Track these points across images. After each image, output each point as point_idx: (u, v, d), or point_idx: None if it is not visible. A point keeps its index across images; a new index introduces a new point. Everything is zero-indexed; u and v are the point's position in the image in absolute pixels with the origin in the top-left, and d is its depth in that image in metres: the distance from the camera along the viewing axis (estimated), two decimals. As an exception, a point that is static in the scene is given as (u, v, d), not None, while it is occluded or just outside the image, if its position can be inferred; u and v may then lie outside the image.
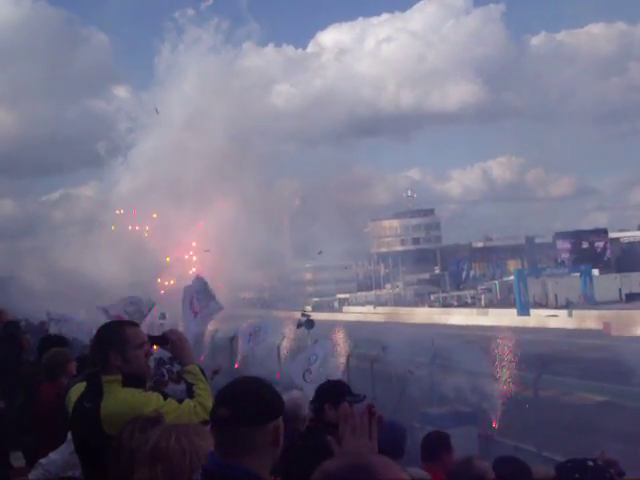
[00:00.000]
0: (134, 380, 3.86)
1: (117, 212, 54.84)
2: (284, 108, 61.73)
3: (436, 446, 5.91)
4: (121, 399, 3.77)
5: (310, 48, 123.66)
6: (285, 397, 3.66)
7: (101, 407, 3.77)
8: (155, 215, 52.36)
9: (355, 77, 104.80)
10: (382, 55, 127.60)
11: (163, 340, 4.20)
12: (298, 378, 11.37)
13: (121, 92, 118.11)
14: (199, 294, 8.94)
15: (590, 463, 2.86)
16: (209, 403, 3.66)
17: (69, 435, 4.25)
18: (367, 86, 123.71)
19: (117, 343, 3.89)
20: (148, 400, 3.76)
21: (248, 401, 2.57)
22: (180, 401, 3.85)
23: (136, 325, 4.17)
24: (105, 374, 3.88)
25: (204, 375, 4.02)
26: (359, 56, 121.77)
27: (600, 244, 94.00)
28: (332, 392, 4.82)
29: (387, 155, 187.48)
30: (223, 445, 2.51)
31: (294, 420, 5.08)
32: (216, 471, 2.44)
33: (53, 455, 4.68)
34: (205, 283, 9.29)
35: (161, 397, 3.82)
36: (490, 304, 73.31)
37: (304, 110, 64.30)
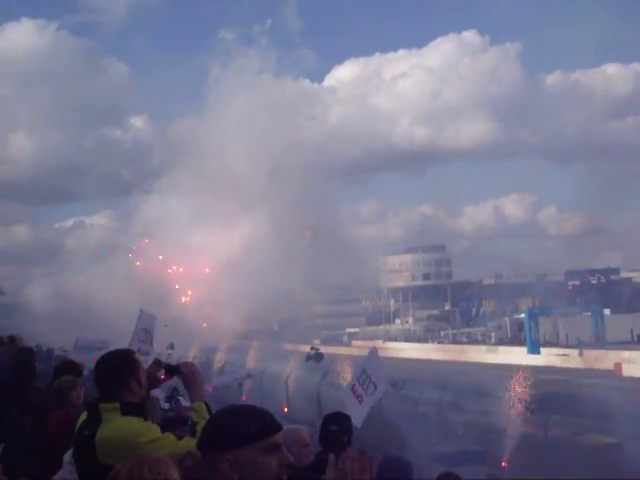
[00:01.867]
0: (135, 408, 3.86)
1: (133, 249, 55.51)
2: (300, 141, 61.99)
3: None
4: (117, 427, 3.76)
5: (326, 82, 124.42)
6: (286, 430, 3.65)
7: (97, 435, 3.76)
8: (160, 257, 52.80)
9: (370, 112, 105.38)
10: (397, 90, 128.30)
11: (176, 370, 4.21)
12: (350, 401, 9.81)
13: (138, 122, 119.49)
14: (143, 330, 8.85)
15: None
16: None
17: (65, 457, 4.27)
18: (382, 121, 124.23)
19: (133, 370, 3.95)
20: (145, 430, 3.74)
21: (206, 430, 2.55)
22: (181, 437, 3.81)
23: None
24: (108, 402, 3.87)
25: (210, 412, 3.94)
26: (375, 91, 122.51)
27: (612, 284, 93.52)
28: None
29: (400, 190, 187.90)
30: (202, 472, 2.50)
31: (294, 455, 5.06)
32: None
33: None
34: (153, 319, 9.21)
35: (159, 430, 3.79)
36: (500, 342, 72.84)
37: (319, 144, 64.54)
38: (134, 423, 3.78)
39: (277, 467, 2.45)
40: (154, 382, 4.20)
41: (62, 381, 6.53)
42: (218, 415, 2.59)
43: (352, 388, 9.05)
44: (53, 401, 6.44)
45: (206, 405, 4.00)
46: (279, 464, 2.45)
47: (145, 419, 3.86)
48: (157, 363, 4.30)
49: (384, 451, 5.38)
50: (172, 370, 4.24)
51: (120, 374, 3.95)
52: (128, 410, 3.83)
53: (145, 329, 9.03)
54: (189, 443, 3.65)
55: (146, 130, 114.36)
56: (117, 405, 3.84)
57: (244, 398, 23.49)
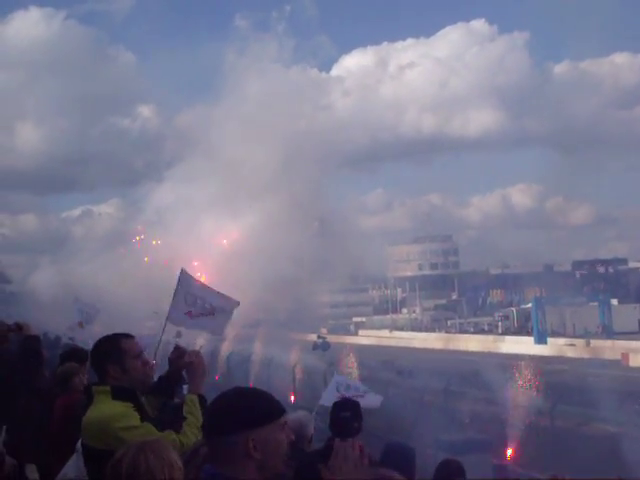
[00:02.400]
0: (123, 393, 3.89)
1: (137, 238, 55.66)
2: (307, 131, 61.93)
3: (451, 473, 5.93)
4: (100, 410, 3.82)
5: (334, 71, 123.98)
6: (290, 416, 3.68)
7: (84, 417, 3.86)
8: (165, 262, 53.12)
9: (378, 101, 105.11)
10: (405, 80, 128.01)
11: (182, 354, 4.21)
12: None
13: (145, 111, 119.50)
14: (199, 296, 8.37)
15: None
16: (191, 442, 3.66)
17: (78, 444, 4.31)
18: (389, 110, 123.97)
19: (115, 355, 3.99)
20: (122, 417, 3.77)
21: (220, 412, 2.60)
22: (164, 428, 3.82)
23: (132, 337, 4.22)
24: (101, 385, 3.96)
25: (204, 407, 3.89)
26: (382, 80, 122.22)
27: (620, 273, 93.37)
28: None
29: (407, 180, 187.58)
30: (210, 455, 2.59)
31: (298, 439, 5.10)
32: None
33: (65, 468, 4.73)
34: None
35: (138, 418, 3.79)
36: (507, 331, 72.86)
37: (326, 133, 64.43)
38: (117, 408, 3.82)
39: (288, 444, 2.61)
40: (176, 367, 4.22)
41: (65, 367, 6.59)
42: (228, 398, 2.64)
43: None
44: (58, 387, 6.49)
45: (203, 399, 3.98)
46: (287, 441, 2.61)
47: (136, 405, 3.88)
48: (177, 349, 4.32)
49: (388, 438, 5.43)
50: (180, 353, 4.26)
51: (100, 359, 4.05)
52: (117, 394, 3.88)
53: (189, 293, 8.42)
54: (169, 437, 3.69)
55: (153, 119, 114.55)
56: (108, 389, 3.90)
57: (250, 385, 23.57)
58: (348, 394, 9.61)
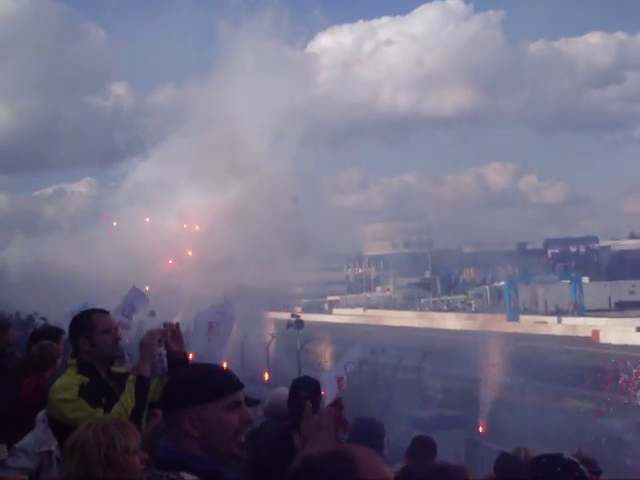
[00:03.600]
0: (85, 367, 4.04)
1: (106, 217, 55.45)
2: (282, 109, 61.52)
3: (423, 449, 5.99)
4: (58, 381, 4.01)
5: (309, 48, 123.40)
6: (270, 392, 3.69)
7: None
8: (147, 219, 52.72)
9: (353, 79, 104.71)
10: (381, 58, 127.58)
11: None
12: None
13: (119, 89, 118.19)
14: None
15: (564, 457, 2.91)
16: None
17: (39, 416, 4.43)
18: (365, 88, 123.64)
19: (85, 329, 4.12)
20: (64, 389, 3.92)
21: (167, 388, 2.59)
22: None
23: (105, 312, 4.34)
24: (74, 358, 4.12)
25: (142, 389, 3.89)
26: (358, 58, 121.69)
27: (591, 252, 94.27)
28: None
29: (382, 158, 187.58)
30: (165, 430, 2.54)
31: (277, 415, 5.11)
32: (163, 456, 2.46)
33: (26, 437, 4.82)
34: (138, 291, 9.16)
35: (76, 393, 3.88)
36: (480, 309, 73.40)
37: (300, 110, 64.09)
38: (64, 380, 3.99)
39: (238, 424, 2.49)
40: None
41: (47, 346, 6.50)
42: (180, 373, 2.62)
43: (339, 381, 9.18)
44: (31, 367, 6.43)
45: (145, 380, 3.94)
46: (240, 421, 2.49)
47: (95, 379, 3.99)
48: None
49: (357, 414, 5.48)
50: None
51: (73, 332, 4.19)
52: (80, 367, 4.03)
53: (132, 305, 9.10)
54: (96, 414, 3.74)
55: (127, 97, 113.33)
56: (75, 362, 4.08)
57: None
58: (344, 380, 9.21)
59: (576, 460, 2.97)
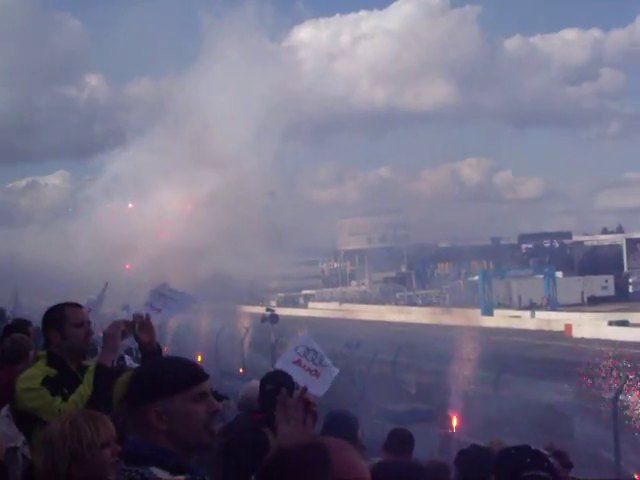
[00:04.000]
0: (53, 359, 4.05)
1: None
2: (258, 102, 61.30)
3: (401, 442, 6.01)
4: (24, 372, 4.06)
5: (285, 42, 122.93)
6: (244, 386, 3.69)
7: None
8: (131, 205, 52.51)
9: (330, 73, 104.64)
10: (357, 52, 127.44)
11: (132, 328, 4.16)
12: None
13: (94, 80, 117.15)
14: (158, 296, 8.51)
15: (533, 448, 2.94)
16: (70, 409, 3.63)
17: (2, 411, 4.43)
18: (341, 82, 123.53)
19: (57, 322, 4.14)
20: (27, 379, 3.95)
21: (131, 382, 2.56)
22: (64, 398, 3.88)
23: (77, 306, 4.34)
24: (44, 350, 4.15)
25: (101, 378, 3.86)
26: (335, 52, 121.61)
27: (564, 247, 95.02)
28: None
29: (359, 152, 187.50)
30: (132, 425, 2.51)
31: (250, 409, 5.11)
32: (131, 451, 2.44)
33: None
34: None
35: (39, 382, 3.90)
36: (454, 303, 73.76)
37: (278, 104, 63.92)
38: (31, 371, 4.02)
39: (206, 415, 2.47)
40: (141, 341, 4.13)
41: (19, 339, 6.46)
42: (144, 367, 2.60)
43: (299, 364, 9.14)
44: (3, 360, 6.37)
45: (105, 370, 3.92)
46: (208, 412, 2.48)
47: (63, 372, 4.00)
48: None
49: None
50: (128, 327, 4.20)
51: (45, 324, 4.20)
52: (50, 360, 4.05)
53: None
54: (54, 403, 3.80)
55: (102, 88, 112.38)
56: (44, 353, 4.10)
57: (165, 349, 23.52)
58: (304, 359, 9.23)
59: (546, 452, 3.00)
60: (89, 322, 4.31)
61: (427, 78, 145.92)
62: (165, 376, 2.47)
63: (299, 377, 9.01)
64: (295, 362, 9.06)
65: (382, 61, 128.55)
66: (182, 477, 2.32)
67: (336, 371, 9.13)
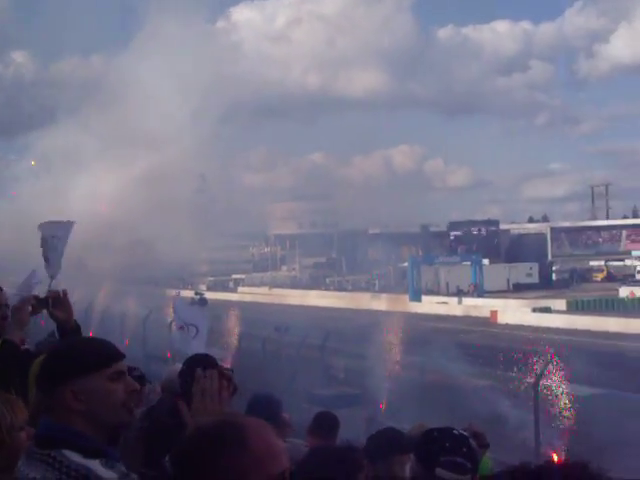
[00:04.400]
0: (8, 346, 3.88)
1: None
2: (190, 85, 60.57)
3: (327, 426, 6.01)
4: None
5: (219, 24, 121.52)
6: (167, 369, 3.64)
7: None
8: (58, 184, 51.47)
9: (264, 56, 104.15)
10: (292, 36, 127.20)
11: (45, 303, 4.02)
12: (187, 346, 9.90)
13: (19, 57, 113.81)
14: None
15: (455, 432, 2.98)
16: None
17: None
18: (275, 67, 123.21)
19: None
20: None
21: (44, 363, 2.50)
22: None
23: None
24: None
25: (7, 354, 3.80)
26: (269, 36, 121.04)
27: (491, 235, 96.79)
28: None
29: (291, 138, 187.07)
30: (46, 407, 2.45)
31: (173, 391, 5.04)
32: (43, 433, 2.36)
33: None
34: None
35: None
36: (384, 289, 74.52)
37: (209, 88, 63.25)
38: None
39: (124, 394, 2.43)
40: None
41: None
42: (59, 346, 2.54)
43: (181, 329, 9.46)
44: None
45: (11, 345, 3.85)
46: (125, 391, 2.44)
47: (14, 358, 3.81)
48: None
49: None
50: (41, 303, 4.03)
51: None
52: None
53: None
54: None
55: (29, 66, 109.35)
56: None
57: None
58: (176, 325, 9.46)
59: (465, 434, 3.05)
60: (7, 305, 4.14)
61: (361, 64, 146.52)
62: (81, 355, 2.42)
63: (186, 342, 9.24)
64: (179, 328, 9.43)
65: (317, 46, 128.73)
66: (96, 460, 2.26)
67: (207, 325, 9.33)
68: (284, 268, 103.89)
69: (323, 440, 5.79)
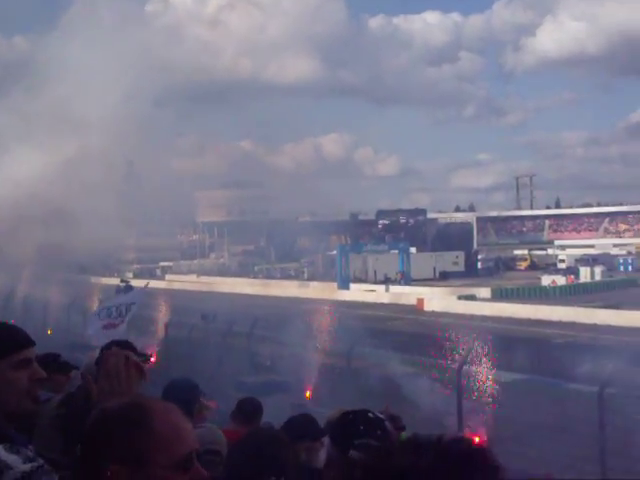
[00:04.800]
0: None
1: None
2: (118, 68, 59.25)
3: (250, 412, 6.00)
4: None
5: (149, 7, 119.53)
6: (86, 355, 3.57)
7: None
8: None
9: (195, 41, 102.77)
10: (222, 21, 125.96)
11: None
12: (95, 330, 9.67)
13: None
14: None
15: (370, 415, 3.01)
16: None
17: None
18: (205, 51, 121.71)
19: None
20: None
21: None
22: None
23: None
24: None
25: None
26: (200, 20, 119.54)
27: (419, 224, 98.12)
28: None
29: (221, 124, 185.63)
30: None
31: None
32: None
33: None
34: None
35: None
36: (312, 277, 74.80)
37: (139, 71, 62.01)
38: None
39: (28, 382, 2.38)
40: None
41: None
42: None
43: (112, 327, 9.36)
44: None
45: None
46: (30, 379, 2.38)
47: None
48: None
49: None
50: None
51: None
52: None
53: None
54: None
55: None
56: None
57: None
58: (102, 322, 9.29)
59: (381, 416, 3.08)
60: None
61: (292, 51, 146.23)
62: None
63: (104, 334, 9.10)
64: (105, 326, 9.24)
65: (247, 31, 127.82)
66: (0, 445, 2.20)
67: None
68: (212, 256, 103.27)
69: (245, 425, 5.78)
